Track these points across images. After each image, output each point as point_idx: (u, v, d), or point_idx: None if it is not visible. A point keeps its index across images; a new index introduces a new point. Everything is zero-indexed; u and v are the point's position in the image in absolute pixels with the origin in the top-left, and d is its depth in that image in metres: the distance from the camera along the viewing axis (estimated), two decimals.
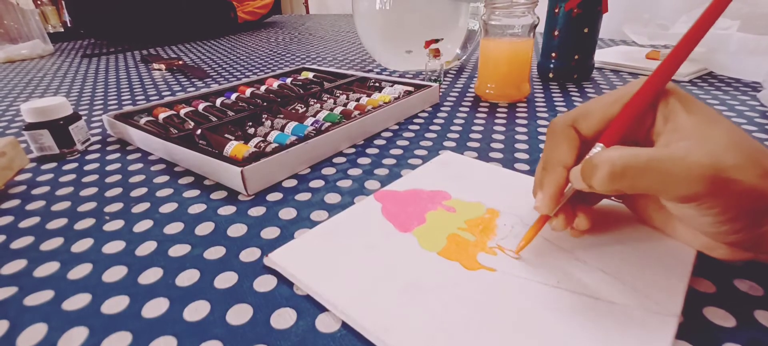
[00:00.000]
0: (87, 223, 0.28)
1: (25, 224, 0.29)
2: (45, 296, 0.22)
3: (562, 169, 0.21)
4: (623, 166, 0.17)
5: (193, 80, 0.70)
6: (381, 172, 0.34)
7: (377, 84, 0.55)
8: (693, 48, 0.19)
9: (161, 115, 0.44)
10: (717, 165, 0.17)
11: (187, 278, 0.23)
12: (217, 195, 0.31)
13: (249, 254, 0.24)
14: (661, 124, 0.19)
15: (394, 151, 0.38)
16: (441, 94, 0.56)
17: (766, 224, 0.18)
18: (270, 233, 0.27)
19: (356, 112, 0.43)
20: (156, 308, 0.21)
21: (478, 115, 0.47)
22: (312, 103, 0.47)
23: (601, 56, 0.70)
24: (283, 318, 0.20)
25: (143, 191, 0.32)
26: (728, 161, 0.17)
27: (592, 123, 0.21)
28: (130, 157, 0.39)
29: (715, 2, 0.18)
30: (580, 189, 0.20)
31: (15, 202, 0.32)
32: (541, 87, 0.59)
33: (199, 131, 0.38)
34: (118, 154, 0.40)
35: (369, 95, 0.50)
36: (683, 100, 0.19)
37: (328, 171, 0.35)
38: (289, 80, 0.59)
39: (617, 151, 0.18)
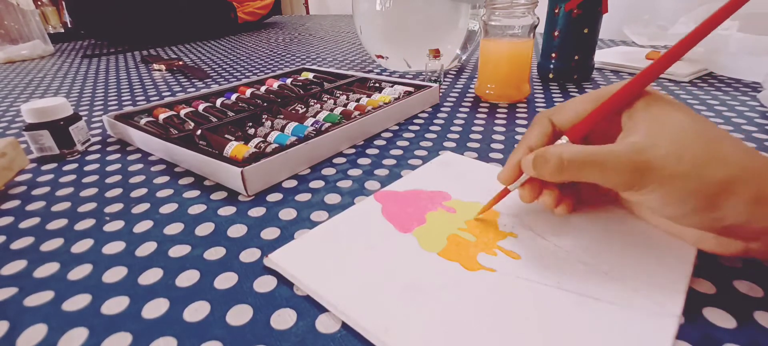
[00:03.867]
0: (87, 223, 0.28)
1: (25, 224, 0.29)
2: (45, 296, 0.22)
3: (526, 149, 0.24)
4: (569, 159, 0.20)
5: (193, 81, 0.70)
6: (381, 172, 0.34)
7: (377, 84, 0.55)
8: (672, 63, 0.21)
9: (161, 116, 0.44)
10: (641, 155, 0.19)
11: (187, 278, 0.23)
12: (217, 196, 0.31)
13: (249, 255, 0.24)
14: (625, 120, 0.22)
15: (394, 152, 0.38)
16: (441, 94, 0.56)
17: (722, 207, 0.18)
18: (270, 233, 0.27)
19: (356, 113, 0.43)
20: (156, 308, 0.21)
21: (478, 115, 0.47)
22: (312, 103, 0.47)
23: (601, 57, 0.70)
24: (283, 319, 0.20)
25: (143, 191, 0.32)
26: (659, 151, 0.19)
27: (564, 117, 0.24)
28: (130, 157, 0.39)
29: (698, 28, 0.20)
30: (530, 175, 0.23)
31: (15, 202, 0.32)
32: (541, 88, 0.59)
33: (199, 132, 0.38)
34: (118, 155, 0.40)
35: (369, 96, 0.50)
36: (648, 99, 0.21)
37: (328, 171, 0.35)
38: (289, 81, 0.59)
39: (566, 148, 0.21)
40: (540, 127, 0.24)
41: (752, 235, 0.19)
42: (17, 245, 0.26)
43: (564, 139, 0.23)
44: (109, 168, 0.37)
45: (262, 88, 0.55)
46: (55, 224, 0.28)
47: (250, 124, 0.42)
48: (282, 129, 0.40)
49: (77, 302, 0.21)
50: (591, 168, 0.20)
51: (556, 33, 0.58)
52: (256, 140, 0.37)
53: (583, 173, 0.20)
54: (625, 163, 0.19)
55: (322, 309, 0.20)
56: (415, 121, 0.46)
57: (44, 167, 0.38)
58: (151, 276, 0.23)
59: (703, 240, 0.22)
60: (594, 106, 0.23)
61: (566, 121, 0.24)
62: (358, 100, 0.48)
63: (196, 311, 0.20)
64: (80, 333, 0.19)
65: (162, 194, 0.32)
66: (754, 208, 0.18)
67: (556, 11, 0.56)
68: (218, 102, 0.49)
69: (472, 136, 0.41)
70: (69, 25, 1.47)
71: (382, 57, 0.66)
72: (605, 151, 0.20)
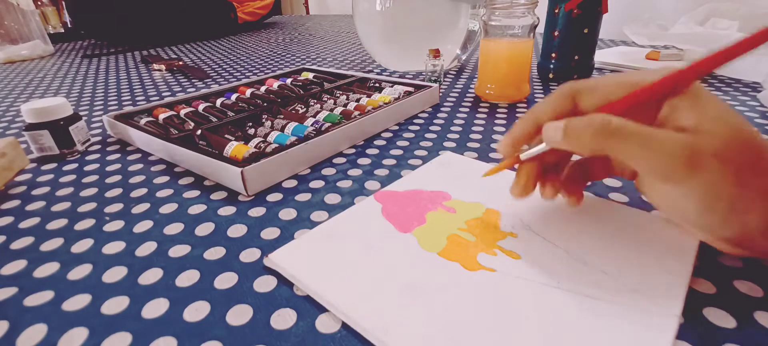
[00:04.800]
0: (87, 223, 0.28)
1: (25, 224, 0.29)
2: (45, 296, 0.22)
3: (533, 122, 0.22)
4: (618, 126, 0.18)
5: (193, 81, 0.70)
6: (381, 172, 0.34)
7: (377, 84, 0.55)
8: (722, 64, 0.19)
9: (161, 116, 0.44)
10: (696, 145, 0.17)
11: (187, 278, 0.23)
12: (217, 195, 0.31)
13: (249, 255, 0.24)
14: (665, 113, 0.19)
15: (394, 152, 0.38)
16: (441, 94, 0.56)
17: (751, 212, 0.18)
18: (270, 233, 0.27)
19: (356, 113, 0.43)
20: (156, 308, 0.21)
21: (478, 115, 0.47)
22: (312, 103, 0.47)
23: (601, 57, 0.70)
24: (283, 319, 0.20)
25: (143, 191, 0.32)
26: (710, 146, 0.17)
27: (593, 100, 0.21)
28: (130, 157, 0.39)
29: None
30: (550, 145, 0.21)
31: (15, 202, 0.32)
32: (541, 88, 0.59)
33: (199, 132, 0.38)
34: (118, 155, 0.40)
35: (369, 96, 0.50)
36: (693, 96, 0.19)
37: (328, 171, 0.35)
38: (289, 81, 0.59)
39: (614, 116, 0.18)
40: (556, 103, 0.22)
41: (762, 249, 0.19)
42: (17, 245, 0.26)
43: None
44: (109, 168, 0.37)
45: (262, 88, 0.55)
46: (55, 224, 0.28)
47: (250, 124, 0.42)
48: (282, 129, 0.40)
49: (77, 302, 0.21)
50: (635, 141, 0.18)
51: (556, 33, 0.58)
52: (256, 140, 0.37)
53: (625, 144, 0.18)
54: (675, 148, 0.17)
55: (322, 309, 0.20)
56: (415, 121, 0.46)
57: (44, 167, 0.38)
58: (151, 276, 0.23)
59: (709, 238, 0.21)
60: (628, 92, 0.20)
61: (595, 105, 0.21)
62: (358, 100, 0.48)
63: (196, 311, 0.20)
64: (80, 333, 0.19)
65: (162, 193, 0.32)
66: None
67: (556, 11, 0.56)
68: (218, 102, 0.49)
69: (472, 136, 0.41)
70: (69, 25, 1.47)
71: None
72: (655, 131, 0.18)
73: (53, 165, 0.38)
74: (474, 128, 0.43)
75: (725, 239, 0.20)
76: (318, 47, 1.00)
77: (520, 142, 0.22)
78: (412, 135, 0.42)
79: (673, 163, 0.17)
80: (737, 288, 0.21)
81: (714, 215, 0.18)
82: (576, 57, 0.58)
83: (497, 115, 0.47)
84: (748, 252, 0.21)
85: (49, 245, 0.26)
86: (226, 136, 0.38)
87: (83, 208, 0.30)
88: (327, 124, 0.39)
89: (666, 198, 0.21)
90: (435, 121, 0.46)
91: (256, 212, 0.29)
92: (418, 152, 0.38)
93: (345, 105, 0.47)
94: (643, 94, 0.19)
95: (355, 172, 0.35)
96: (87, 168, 0.37)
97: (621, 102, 0.20)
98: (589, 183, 0.26)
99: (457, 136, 0.42)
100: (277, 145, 0.35)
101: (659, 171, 0.18)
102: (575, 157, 0.25)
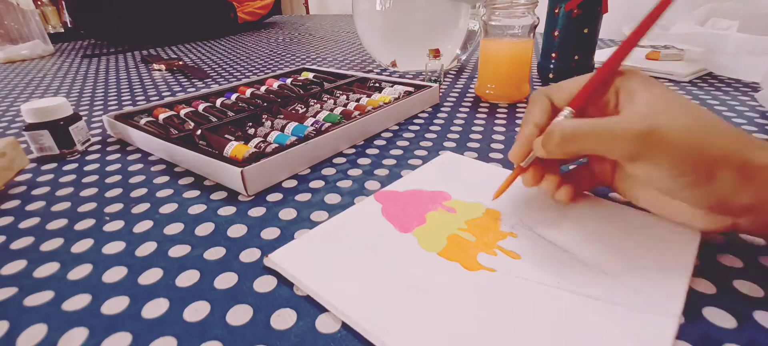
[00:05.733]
0: (87, 223, 0.28)
1: (25, 224, 0.29)
2: (45, 296, 0.22)
3: (533, 126, 0.25)
4: (572, 131, 0.21)
5: (193, 81, 0.70)
6: (381, 172, 0.34)
7: (377, 84, 0.55)
8: (644, 34, 0.22)
9: (161, 116, 0.44)
10: (650, 126, 0.20)
11: (187, 278, 0.23)
12: (217, 196, 0.31)
13: (249, 255, 0.24)
14: (624, 101, 0.23)
15: (394, 152, 0.38)
16: (441, 94, 0.56)
17: (717, 179, 0.19)
18: (270, 233, 0.27)
19: (356, 113, 0.43)
20: (156, 308, 0.21)
21: (478, 115, 0.47)
22: (312, 103, 0.47)
23: (601, 57, 0.70)
24: (283, 319, 0.20)
25: (143, 191, 0.32)
26: (663, 122, 0.20)
27: (563, 95, 0.25)
28: (130, 157, 0.39)
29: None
30: (540, 155, 0.24)
31: (15, 202, 0.32)
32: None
33: (199, 132, 0.38)
34: (118, 155, 0.40)
35: (369, 96, 0.50)
36: (644, 80, 0.22)
37: (328, 171, 0.35)
38: (289, 81, 0.59)
39: (569, 122, 0.22)
40: (540, 104, 0.25)
41: (740, 210, 0.20)
42: (17, 245, 0.26)
43: (567, 111, 0.24)
44: (109, 168, 0.37)
45: (262, 88, 0.55)
46: (55, 224, 0.28)
47: (250, 124, 0.42)
48: (282, 129, 0.40)
49: (77, 302, 0.21)
50: (595, 138, 0.21)
51: (556, 33, 0.58)
52: (256, 140, 0.37)
53: (588, 142, 0.21)
54: (633, 130, 0.20)
55: (322, 309, 0.20)
56: (415, 121, 0.46)
57: (44, 167, 0.38)
58: (151, 276, 0.23)
59: (694, 218, 0.23)
60: (584, 84, 0.24)
61: (565, 99, 0.25)
62: (358, 100, 0.48)
63: (196, 311, 0.20)
64: (80, 333, 0.19)
65: (162, 194, 0.32)
66: (743, 181, 0.19)
67: (556, 11, 0.56)
68: (218, 102, 0.49)
69: (472, 136, 0.41)
70: (69, 25, 1.47)
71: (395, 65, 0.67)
72: (612, 120, 0.21)
73: (53, 165, 0.38)
74: (474, 128, 0.43)
75: (710, 209, 0.21)
76: (318, 47, 1.00)
77: (528, 146, 0.25)
78: (412, 135, 0.42)
79: (631, 145, 0.20)
80: (737, 288, 0.21)
81: (685, 178, 0.20)
82: (576, 57, 0.58)
83: (497, 115, 0.47)
84: (732, 223, 0.21)
85: (49, 245, 0.26)
86: (226, 136, 0.38)
87: (83, 208, 0.30)
88: (327, 124, 0.39)
89: (645, 185, 0.23)
90: (435, 121, 0.46)
91: (256, 212, 0.29)
92: (418, 152, 0.38)
93: (345, 105, 0.47)
94: (592, 83, 0.24)
95: (355, 172, 0.35)
96: (87, 168, 0.37)
97: (579, 94, 0.24)
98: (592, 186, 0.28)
99: (457, 136, 0.42)
100: (277, 145, 0.35)
101: (621, 154, 0.21)
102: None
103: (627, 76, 0.23)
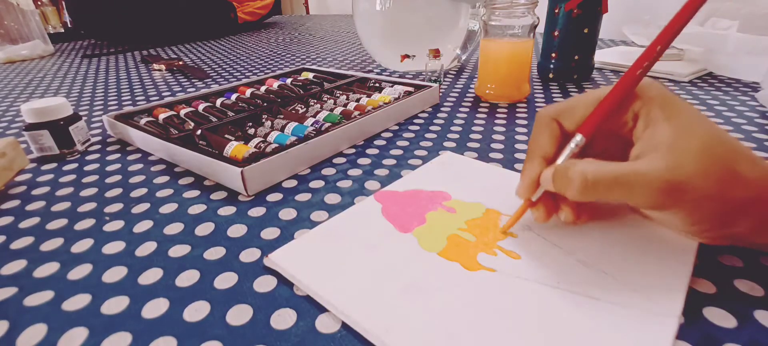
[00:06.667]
0: (87, 223, 0.28)
1: (25, 224, 0.29)
2: (45, 296, 0.22)
3: (541, 160, 0.23)
4: (594, 180, 0.19)
5: (193, 81, 0.70)
6: (381, 172, 0.34)
7: (377, 84, 0.55)
8: (664, 50, 0.20)
9: (161, 116, 0.44)
10: (674, 178, 0.18)
11: (187, 278, 0.23)
12: (217, 195, 0.31)
13: (249, 255, 0.24)
14: (641, 129, 0.21)
15: (394, 152, 0.38)
16: (441, 94, 0.56)
17: (737, 225, 0.19)
18: (270, 233, 0.27)
19: (356, 113, 0.43)
20: (156, 308, 0.21)
21: (478, 115, 0.47)
22: (312, 103, 0.47)
23: (601, 57, 0.70)
24: (283, 319, 0.20)
25: (143, 191, 0.32)
26: (688, 171, 0.18)
27: (575, 119, 0.23)
28: (130, 157, 0.39)
29: (686, 6, 0.19)
30: (550, 189, 0.22)
31: (15, 202, 0.32)
32: (541, 87, 0.59)
33: (199, 132, 0.38)
34: (118, 155, 0.40)
35: (369, 96, 0.50)
36: (665, 106, 0.20)
37: (328, 171, 0.35)
38: (289, 81, 0.59)
39: (590, 166, 0.20)
40: (549, 132, 0.23)
41: (747, 235, 0.20)
42: (17, 245, 0.26)
43: (579, 138, 0.22)
44: (109, 168, 0.37)
45: (262, 88, 0.55)
46: (55, 224, 0.28)
47: (250, 124, 0.42)
48: (282, 129, 0.40)
49: (77, 302, 0.21)
50: (619, 188, 0.19)
51: (556, 33, 0.58)
52: (256, 140, 0.37)
53: (609, 193, 0.19)
54: (656, 185, 0.18)
55: (322, 309, 0.20)
56: (415, 121, 0.46)
57: (44, 167, 0.38)
58: (151, 276, 0.23)
59: (696, 238, 0.23)
60: (594, 107, 0.22)
61: (576, 123, 0.23)
62: (358, 100, 0.48)
63: (196, 311, 0.20)
64: (80, 333, 0.19)
65: (162, 194, 0.32)
66: (762, 227, 0.19)
67: (556, 11, 0.56)
68: (218, 102, 0.49)
69: (472, 136, 0.41)
70: (69, 25, 1.47)
71: (408, 57, 0.66)
72: (633, 171, 0.19)
73: (53, 165, 0.38)
74: (474, 128, 0.43)
75: (711, 241, 0.22)
76: (318, 47, 1.00)
77: (536, 183, 0.23)
78: (412, 135, 0.42)
79: (655, 198, 0.19)
80: (737, 288, 0.21)
81: (701, 226, 0.20)
82: (576, 57, 0.58)
83: (497, 115, 0.47)
84: (740, 244, 0.22)
85: (49, 245, 0.26)
86: (226, 136, 0.38)
87: (83, 208, 0.30)
88: (327, 124, 0.39)
89: (655, 215, 0.22)
90: (435, 121, 0.46)
91: (256, 212, 0.29)
92: (418, 152, 0.38)
93: (345, 105, 0.47)
94: (605, 106, 0.21)
95: (355, 172, 0.35)
96: (87, 168, 0.37)
97: (591, 119, 0.22)
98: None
99: (457, 136, 0.42)
100: (277, 145, 0.35)
101: (644, 205, 0.20)
102: None
103: (646, 101, 0.20)
